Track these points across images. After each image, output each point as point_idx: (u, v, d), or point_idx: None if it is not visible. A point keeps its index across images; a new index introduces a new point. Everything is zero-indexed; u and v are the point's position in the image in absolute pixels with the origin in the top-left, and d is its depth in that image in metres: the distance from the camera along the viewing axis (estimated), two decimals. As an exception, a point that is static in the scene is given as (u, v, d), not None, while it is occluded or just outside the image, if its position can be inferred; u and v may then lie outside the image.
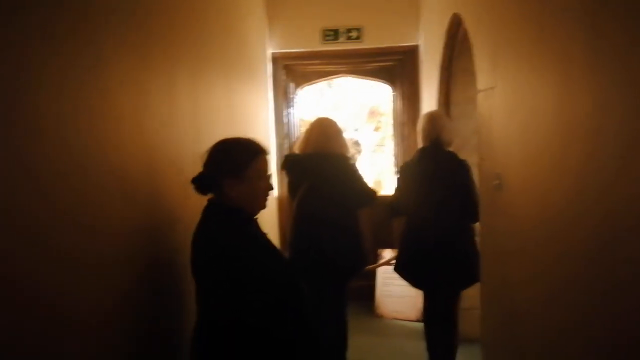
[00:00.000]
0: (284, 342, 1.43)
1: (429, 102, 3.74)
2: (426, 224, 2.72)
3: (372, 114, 6.13)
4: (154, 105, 1.59)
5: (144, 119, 1.50)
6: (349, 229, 2.67)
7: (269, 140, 4.15)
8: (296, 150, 2.83)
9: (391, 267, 3.90)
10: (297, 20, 4.26)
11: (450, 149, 2.81)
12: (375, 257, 4.19)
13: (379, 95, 5.83)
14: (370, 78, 4.63)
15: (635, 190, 1.03)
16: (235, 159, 1.55)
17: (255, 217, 1.62)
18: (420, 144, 2.86)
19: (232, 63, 2.91)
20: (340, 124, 2.89)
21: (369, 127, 6.21)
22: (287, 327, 1.45)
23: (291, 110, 4.51)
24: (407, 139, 4.37)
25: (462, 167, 2.70)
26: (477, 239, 2.58)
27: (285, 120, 4.45)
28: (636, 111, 1.01)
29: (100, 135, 1.21)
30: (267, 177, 1.61)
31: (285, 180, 2.90)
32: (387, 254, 4.19)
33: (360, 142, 5.72)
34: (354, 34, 4.22)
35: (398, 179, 3.02)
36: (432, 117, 2.82)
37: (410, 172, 2.85)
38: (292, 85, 4.51)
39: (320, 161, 2.67)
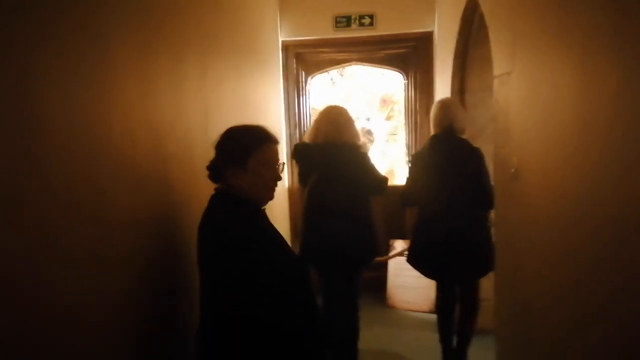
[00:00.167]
0: (291, 336, 1.40)
1: (442, 90, 3.66)
2: (438, 213, 2.68)
3: (385, 102, 6.05)
4: (163, 93, 1.56)
5: (153, 108, 1.48)
6: (360, 219, 2.63)
7: (280, 130, 4.11)
8: (306, 139, 2.79)
9: (403, 258, 3.89)
10: (308, 7, 4.20)
11: (464, 136, 2.75)
12: (387, 248, 4.15)
13: (391, 84, 5.74)
14: (383, 66, 4.56)
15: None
16: (238, 147, 1.51)
17: (263, 207, 1.59)
18: (432, 131, 2.80)
19: (243, 52, 2.88)
20: (352, 112, 2.84)
21: (381, 116, 6.13)
22: (295, 321, 1.42)
23: (302, 99, 4.46)
24: (420, 128, 4.30)
25: (475, 155, 2.64)
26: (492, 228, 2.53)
27: (296, 109, 4.41)
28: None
29: (109, 124, 1.19)
30: (275, 167, 1.55)
31: (296, 169, 2.87)
32: (399, 244, 4.15)
33: (372, 131, 5.65)
34: (366, 20, 4.14)
35: (410, 168, 2.97)
36: (444, 104, 2.76)
37: (422, 160, 2.80)
38: (303, 73, 4.46)
39: (330, 151, 2.62)
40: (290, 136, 4.38)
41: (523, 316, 1.95)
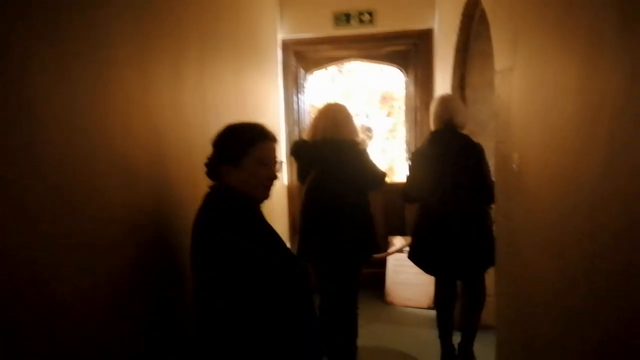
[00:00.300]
0: (285, 344, 1.37)
1: (443, 86, 3.65)
2: (439, 209, 2.67)
3: (384, 99, 6.04)
4: (161, 90, 1.55)
5: (152, 105, 1.46)
6: (359, 216, 2.63)
7: (279, 127, 4.10)
8: (305, 136, 2.78)
9: (402, 255, 3.88)
10: (308, 5, 4.18)
11: (464, 132, 2.74)
12: (386, 245, 4.14)
13: (391, 80, 5.73)
14: (383, 62, 4.54)
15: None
16: (234, 143, 1.48)
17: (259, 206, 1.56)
18: (432, 127, 2.79)
19: (242, 50, 2.86)
20: (351, 109, 2.83)
21: (381, 113, 6.12)
22: (289, 331, 1.39)
23: (301, 96, 4.44)
24: (420, 125, 4.29)
25: (475, 150, 2.63)
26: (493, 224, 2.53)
27: (295, 106, 4.40)
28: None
29: (105, 120, 1.18)
30: (271, 165, 1.52)
31: (295, 167, 2.86)
32: (398, 241, 4.15)
33: (372, 128, 5.63)
34: (366, 17, 4.12)
35: (410, 164, 2.96)
36: (444, 100, 2.75)
37: (422, 156, 2.79)
38: (302, 70, 4.45)
39: (329, 148, 2.61)
40: (289, 134, 4.36)
41: (524, 313, 1.94)
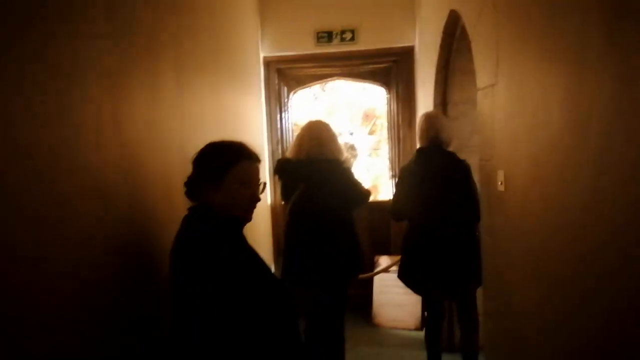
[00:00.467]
0: None
1: (424, 103, 3.65)
2: (427, 228, 2.64)
3: (367, 116, 6.04)
4: (135, 104, 1.48)
5: (125, 119, 1.40)
6: (344, 235, 2.59)
7: (262, 146, 4.05)
8: (289, 155, 2.74)
9: (388, 275, 3.82)
10: (289, 23, 4.18)
11: (450, 149, 2.73)
12: (372, 265, 4.08)
13: (373, 98, 5.74)
14: (365, 80, 4.54)
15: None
16: (214, 163, 1.42)
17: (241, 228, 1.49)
18: (418, 144, 2.77)
19: (223, 67, 2.82)
20: (334, 127, 2.80)
21: (363, 131, 6.11)
22: (278, 354, 1.33)
23: (284, 114, 4.41)
24: (403, 142, 4.28)
25: (461, 167, 2.61)
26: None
27: (278, 124, 4.36)
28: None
29: (74, 134, 1.11)
30: (254, 186, 1.45)
31: (279, 186, 2.81)
32: (384, 260, 4.09)
33: (355, 146, 5.62)
34: (347, 35, 4.14)
35: (397, 182, 2.93)
36: (429, 117, 2.74)
37: (410, 174, 2.76)
38: (285, 89, 4.42)
39: (314, 167, 2.57)
40: (272, 152, 4.31)
41: (511, 332, 1.90)
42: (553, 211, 1.44)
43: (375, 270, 4.01)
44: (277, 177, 2.80)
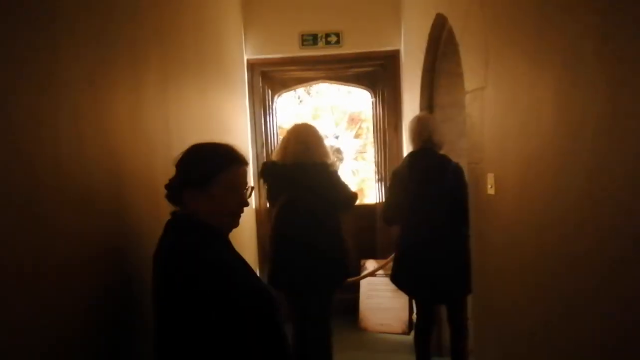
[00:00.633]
0: None
1: (411, 107, 3.65)
2: (419, 231, 2.62)
3: (353, 120, 6.03)
4: (118, 107, 1.43)
5: (107, 120, 1.34)
6: (330, 239, 2.56)
7: (247, 149, 4.00)
8: (274, 158, 2.70)
9: (375, 279, 3.80)
10: (274, 26, 4.14)
11: (442, 152, 2.72)
12: (359, 268, 4.05)
13: (359, 101, 5.74)
14: (350, 84, 4.53)
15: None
16: (201, 166, 1.35)
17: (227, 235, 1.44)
18: (410, 147, 2.75)
19: (207, 70, 2.77)
20: (320, 130, 2.77)
21: (349, 134, 6.10)
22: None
23: (269, 117, 4.37)
24: (389, 146, 4.27)
25: (454, 170, 2.60)
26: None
27: (263, 128, 4.32)
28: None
29: (55, 136, 1.05)
30: (242, 191, 1.39)
31: (264, 190, 2.77)
32: (370, 264, 4.07)
33: (342, 149, 5.61)
34: (333, 38, 4.11)
35: (389, 186, 2.91)
36: (422, 119, 2.72)
37: (401, 178, 2.74)
38: (269, 92, 4.38)
39: (301, 171, 2.54)
40: (257, 156, 4.26)
41: (500, 337, 1.89)
42: (543, 214, 1.43)
43: (362, 274, 3.98)
44: (262, 180, 2.76)
